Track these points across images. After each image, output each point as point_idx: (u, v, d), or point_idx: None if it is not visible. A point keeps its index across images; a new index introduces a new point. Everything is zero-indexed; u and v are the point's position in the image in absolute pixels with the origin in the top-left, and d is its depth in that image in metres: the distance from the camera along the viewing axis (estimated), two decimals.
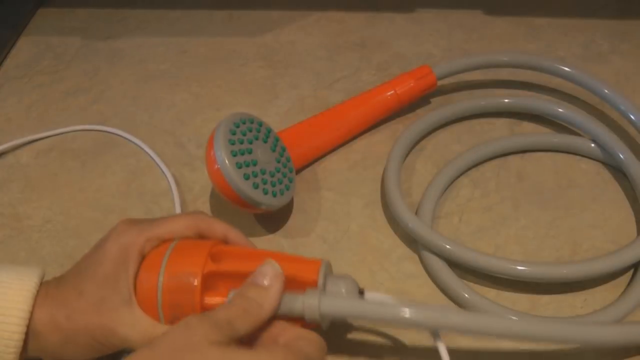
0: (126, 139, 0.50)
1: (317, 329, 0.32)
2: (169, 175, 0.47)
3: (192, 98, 0.54)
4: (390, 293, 0.40)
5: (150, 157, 0.49)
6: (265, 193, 0.40)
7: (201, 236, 0.36)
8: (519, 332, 0.31)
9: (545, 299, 0.39)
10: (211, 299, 0.33)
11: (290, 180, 0.43)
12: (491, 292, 0.40)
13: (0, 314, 0.31)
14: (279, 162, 0.42)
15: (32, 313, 0.32)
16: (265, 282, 0.31)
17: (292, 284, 0.32)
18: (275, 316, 0.31)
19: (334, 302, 0.32)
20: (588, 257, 0.41)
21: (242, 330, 0.29)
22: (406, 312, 0.31)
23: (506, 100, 0.50)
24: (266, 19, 0.61)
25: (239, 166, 0.39)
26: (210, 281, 0.33)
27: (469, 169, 0.46)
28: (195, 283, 0.32)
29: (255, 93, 0.54)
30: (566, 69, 0.49)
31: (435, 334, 0.33)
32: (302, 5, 0.62)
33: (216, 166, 0.39)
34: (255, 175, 0.39)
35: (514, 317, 0.32)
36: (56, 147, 0.50)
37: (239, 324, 0.29)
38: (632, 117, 0.46)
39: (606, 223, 0.43)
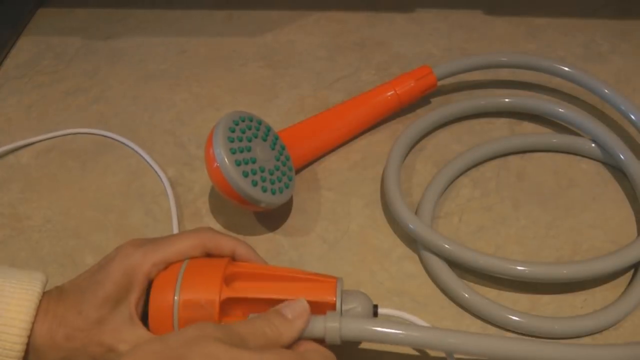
0: (121, 142, 0.50)
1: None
2: (164, 178, 0.47)
3: (192, 98, 0.54)
4: (390, 292, 0.40)
5: (146, 161, 0.49)
6: (264, 191, 0.40)
7: (209, 255, 0.36)
8: (540, 357, 0.31)
9: (545, 299, 0.39)
10: (229, 318, 0.33)
11: (290, 178, 0.43)
12: (491, 292, 0.40)
13: (2, 324, 0.31)
14: (278, 160, 0.42)
15: (33, 325, 0.31)
16: (290, 316, 0.31)
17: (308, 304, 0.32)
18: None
19: (355, 326, 0.32)
20: (588, 257, 0.41)
21: (251, 346, 0.29)
22: (427, 338, 0.32)
23: (506, 100, 0.50)
24: (266, 19, 0.61)
25: (238, 164, 0.39)
26: (227, 306, 0.33)
27: (469, 169, 0.46)
28: (213, 311, 0.32)
29: (255, 93, 0.54)
30: (566, 68, 0.49)
31: (451, 356, 0.34)
32: (302, 5, 0.62)
33: (215, 164, 0.39)
34: (255, 173, 0.39)
35: (534, 342, 0.32)
36: (56, 148, 0.50)
37: (251, 341, 0.29)
38: (632, 116, 0.46)
39: (606, 223, 0.43)
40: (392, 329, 0.32)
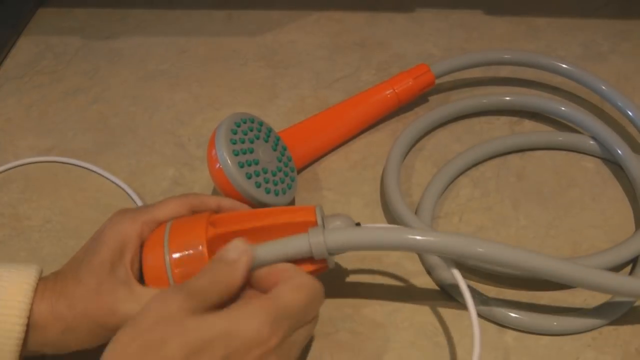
0: (81, 167, 0.49)
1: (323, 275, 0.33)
2: (136, 198, 0.46)
3: (192, 98, 0.54)
4: (390, 292, 0.40)
5: (117, 184, 0.48)
6: (268, 192, 0.40)
7: (195, 213, 0.37)
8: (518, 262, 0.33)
9: (545, 297, 0.39)
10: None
11: (292, 179, 0.43)
12: (492, 290, 0.40)
13: (1, 307, 0.31)
14: (280, 161, 0.42)
15: (32, 306, 0.32)
16: (233, 257, 0.32)
17: (292, 229, 0.34)
18: (285, 261, 0.33)
19: (338, 234, 0.33)
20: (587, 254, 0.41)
21: (214, 299, 0.30)
22: (416, 235, 0.32)
23: (506, 98, 0.50)
24: (266, 19, 0.61)
25: (241, 166, 0.39)
26: (215, 245, 0.34)
27: (469, 168, 0.46)
28: (202, 249, 0.33)
29: (255, 93, 0.54)
30: (564, 65, 0.49)
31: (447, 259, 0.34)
32: (302, 5, 0.62)
33: (218, 165, 0.39)
34: (258, 175, 0.39)
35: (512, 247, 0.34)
36: (56, 147, 0.50)
37: (210, 293, 0.30)
38: (630, 113, 0.46)
39: (606, 223, 0.43)
40: (378, 232, 0.33)
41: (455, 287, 0.39)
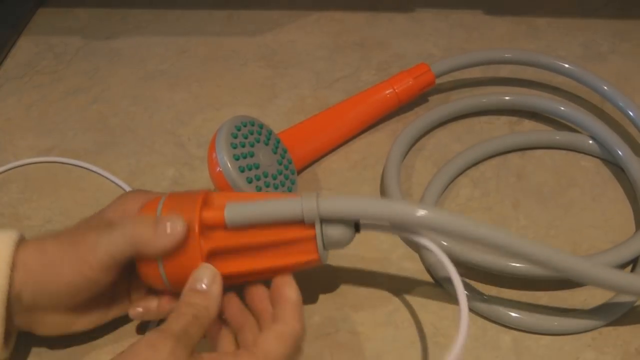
0: (85, 168, 0.49)
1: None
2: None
3: (192, 98, 0.54)
4: (390, 292, 0.40)
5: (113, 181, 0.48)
6: None
7: None
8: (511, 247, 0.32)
9: (545, 297, 0.39)
10: (209, 211, 0.33)
11: (293, 182, 0.43)
12: (492, 290, 0.40)
13: None
14: (280, 164, 0.42)
15: (17, 246, 0.33)
16: (204, 286, 0.32)
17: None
18: (273, 222, 0.33)
19: (332, 199, 0.33)
20: (587, 254, 0.41)
21: (197, 336, 0.30)
22: (403, 209, 0.32)
23: (506, 98, 0.50)
24: (266, 19, 0.61)
25: (241, 170, 0.39)
26: (208, 201, 0.34)
27: (469, 167, 0.46)
28: (197, 198, 0.34)
29: (255, 93, 0.54)
30: (565, 65, 0.49)
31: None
32: (302, 5, 0.62)
33: (218, 169, 0.39)
34: (258, 179, 0.39)
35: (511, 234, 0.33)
36: (56, 147, 0.50)
37: (193, 330, 0.30)
38: (631, 113, 0.46)
39: (606, 223, 0.43)
40: (372, 200, 0.33)
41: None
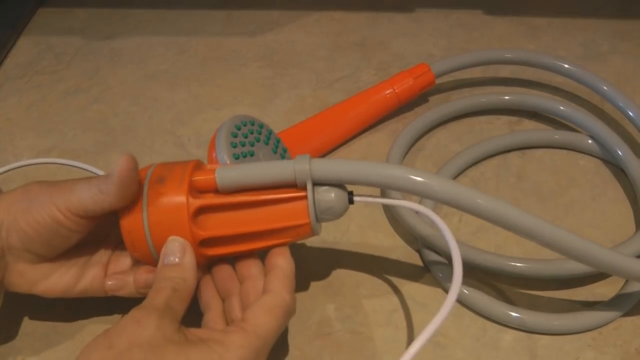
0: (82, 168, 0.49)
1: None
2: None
3: (191, 98, 0.54)
4: (390, 292, 0.40)
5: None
6: None
7: None
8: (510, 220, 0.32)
9: (545, 297, 0.39)
10: (200, 174, 0.33)
11: None
12: (492, 290, 0.40)
13: None
14: None
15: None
16: (177, 259, 0.32)
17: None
18: (265, 186, 0.33)
19: (325, 162, 0.32)
20: None
21: (180, 309, 0.31)
22: (400, 176, 0.32)
23: (506, 98, 0.50)
24: (266, 19, 0.61)
25: None
26: (199, 167, 0.34)
27: (469, 167, 0.46)
28: (188, 162, 0.34)
29: (255, 93, 0.54)
30: (566, 65, 0.49)
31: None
32: (302, 5, 0.62)
33: None
34: None
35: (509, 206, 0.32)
36: (56, 147, 0.50)
37: (175, 303, 0.30)
38: (631, 113, 0.46)
39: (606, 223, 0.43)
40: (368, 163, 0.32)
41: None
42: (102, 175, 0.33)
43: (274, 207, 0.33)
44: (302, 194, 0.33)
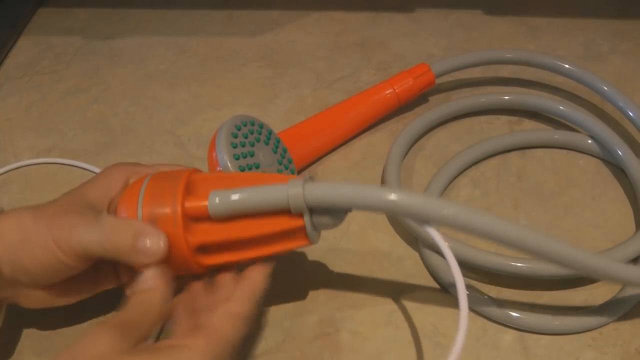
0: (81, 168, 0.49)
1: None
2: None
3: (191, 98, 0.54)
4: (390, 292, 0.40)
5: None
6: None
7: None
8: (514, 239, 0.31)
9: (545, 296, 0.39)
10: (191, 202, 0.32)
11: None
12: (492, 290, 0.40)
13: None
14: (280, 164, 0.42)
15: None
16: (151, 285, 0.32)
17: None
18: (259, 212, 0.32)
19: (318, 185, 0.31)
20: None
21: (145, 330, 0.30)
22: (404, 201, 0.30)
23: (506, 98, 0.50)
24: (266, 19, 0.61)
25: (242, 169, 0.39)
26: (192, 189, 0.33)
27: (469, 167, 0.47)
28: (179, 183, 0.33)
29: (255, 93, 0.54)
30: (566, 65, 0.49)
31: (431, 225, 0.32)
32: (302, 5, 0.62)
33: (218, 168, 0.39)
34: None
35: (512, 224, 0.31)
36: (56, 147, 0.50)
37: (140, 325, 0.30)
38: (630, 114, 0.46)
39: (606, 223, 0.43)
40: (362, 188, 0.31)
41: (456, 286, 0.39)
42: (109, 226, 0.32)
43: (271, 237, 0.33)
44: (299, 222, 0.32)
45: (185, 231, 0.32)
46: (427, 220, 0.32)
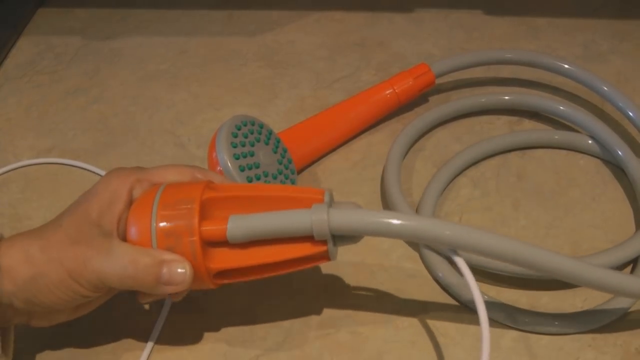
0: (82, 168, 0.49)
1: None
2: None
3: (191, 98, 0.54)
4: (390, 292, 0.40)
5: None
6: None
7: None
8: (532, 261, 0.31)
9: (545, 297, 0.39)
10: (209, 227, 0.31)
11: (293, 182, 0.43)
12: (492, 290, 0.40)
13: None
14: (280, 163, 0.42)
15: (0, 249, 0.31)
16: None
17: (295, 205, 0.31)
18: (282, 238, 0.31)
19: (345, 213, 0.30)
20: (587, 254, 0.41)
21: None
22: (429, 226, 0.30)
23: (506, 98, 0.50)
24: (266, 19, 0.61)
25: (242, 169, 0.39)
26: (207, 209, 0.32)
27: (469, 167, 0.47)
28: (194, 206, 0.31)
29: (255, 93, 0.54)
30: (566, 65, 0.49)
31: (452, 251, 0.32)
32: (302, 5, 0.62)
33: (219, 168, 0.39)
34: (258, 178, 0.39)
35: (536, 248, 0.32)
36: (56, 147, 0.50)
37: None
38: (630, 114, 0.46)
39: (606, 223, 0.43)
40: (388, 217, 0.30)
41: (456, 286, 0.39)
42: (127, 258, 0.31)
43: (291, 262, 0.32)
44: (322, 248, 0.31)
45: (204, 257, 0.31)
46: (454, 249, 0.32)
